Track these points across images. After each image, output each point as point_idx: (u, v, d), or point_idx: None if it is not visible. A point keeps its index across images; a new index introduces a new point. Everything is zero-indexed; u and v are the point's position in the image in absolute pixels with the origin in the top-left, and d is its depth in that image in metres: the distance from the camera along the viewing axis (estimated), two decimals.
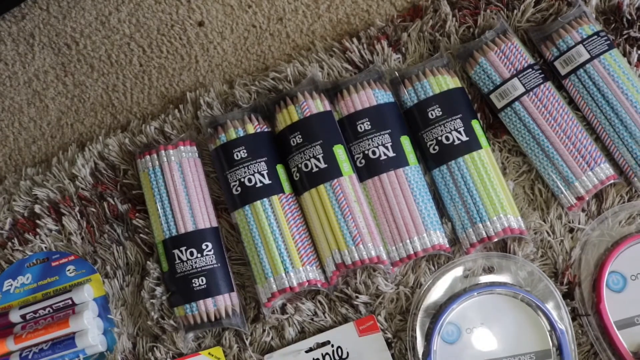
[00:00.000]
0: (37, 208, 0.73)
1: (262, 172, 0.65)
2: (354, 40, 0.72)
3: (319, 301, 0.65)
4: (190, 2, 0.78)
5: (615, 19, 0.70)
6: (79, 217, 0.72)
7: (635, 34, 0.69)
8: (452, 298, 0.62)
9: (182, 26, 0.78)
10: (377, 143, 0.65)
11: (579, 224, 0.64)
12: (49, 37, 0.80)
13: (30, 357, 0.67)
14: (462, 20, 0.71)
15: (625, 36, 0.69)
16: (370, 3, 0.75)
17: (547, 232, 0.64)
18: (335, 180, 0.64)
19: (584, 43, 0.66)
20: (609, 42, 0.66)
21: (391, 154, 0.64)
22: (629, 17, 0.69)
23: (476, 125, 0.66)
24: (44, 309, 0.69)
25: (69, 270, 0.71)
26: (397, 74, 0.69)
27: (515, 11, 0.71)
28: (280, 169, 0.66)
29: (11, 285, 0.72)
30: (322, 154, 0.64)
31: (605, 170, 0.64)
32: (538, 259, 0.64)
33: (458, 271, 0.63)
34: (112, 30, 0.79)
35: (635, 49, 0.68)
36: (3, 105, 0.80)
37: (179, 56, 0.77)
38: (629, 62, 0.68)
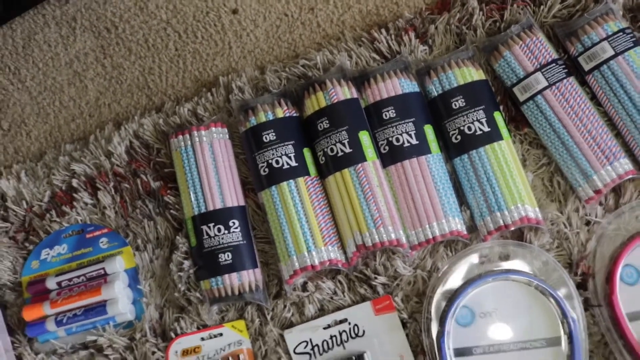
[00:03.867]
0: (74, 182, 0.77)
1: (289, 155, 0.68)
2: (383, 31, 0.74)
3: (339, 280, 0.68)
4: None
5: None
6: (113, 192, 0.76)
7: None
8: (467, 283, 0.64)
9: (217, 13, 0.81)
10: (401, 131, 0.67)
11: (595, 217, 0.66)
12: (90, 20, 0.84)
13: (64, 321, 0.71)
14: (489, 14, 0.73)
15: None
16: None
17: (564, 224, 0.66)
18: (360, 164, 0.66)
19: (609, 39, 0.67)
20: (634, 39, 0.67)
21: (414, 141, 0.67)
22: None
23: (498, 117, 0.68)
24: (78, 277, 0.73)
25: (102, 242, 0.75)
26: (423, 65, 0.71)
27: (542, 6, 0.72)
28: (306, 152, 0.69)
29: (48, 254, 0.76)
30: (347, 139, 0.67)
31: (625, 165, 0.65)
32: (554, 249, 0.66)
33: (474, 257, 0.65)
34: (149, 16, 0.82)
35: None
36: (45, 85, 0.84)
37: (213, 42, 0.80)
38: None
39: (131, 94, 0.81)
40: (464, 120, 0.67)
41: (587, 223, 0.66)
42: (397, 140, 0.67)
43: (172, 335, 0.70)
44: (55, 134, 0.83)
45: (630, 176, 0.65)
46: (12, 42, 0.86)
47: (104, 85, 0.82)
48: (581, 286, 0.64)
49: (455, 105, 0.68)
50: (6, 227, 0.78)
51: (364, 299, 0.67)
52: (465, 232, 0.66)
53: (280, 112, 0.70)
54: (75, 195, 0.77)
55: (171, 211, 0.73)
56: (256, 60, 0.79)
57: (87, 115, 0.82)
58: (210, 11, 0.81)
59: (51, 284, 0.74)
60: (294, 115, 0.70)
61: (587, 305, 0.64)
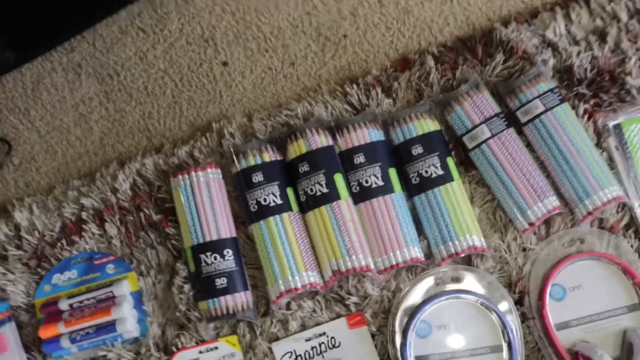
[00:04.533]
0: (83, 215, 0.87)
1: (275, 194, 0.80)
2: (354, 85, 0.87)
3: (318, 300, 0.80)
4: (216, 44, 0.93)
5: (567, 77, 0.85)
6: (119, 224, 0.86)
7: (583, 90, 0.84)
8: (425, 301, 0.77)
9: (209, 65, 0.92)
10: (370, 173, 0.80)
11: (530, 244, 0.80)
12: (94, 67, 0.95)
13: (78, 338, 0.81)
14: (444, 73, 0.86)
15: (575, 92, 0.84)
16: (368, 54, 0.90)
17: (505, 250, 0.79)
18: (335, 202, 0.78)
19: (540, 97, 0.81)
20: (560, 97, 0.81)
21: (380, 182, 0.79)
22: (579, 77, 0.84)
23: (450, 161, 0.81)
24: (88, 299, 0.83)
25: (109, 268, 0.85)
26: (387, 116, 0.84)
27: (487, 67, 0.86)
28: (290, 191, 0.81)
29: (59, 279, 0.86)
30: (324, 181, 0.79)
31: (553, 202, 0.79)
32: (496, 272, 0.79)
33: (431, 280, 0.78)
34: (149, 65, 0.93)
35: (582, 102, 0.83)
36: (53, 125, 0.94)
37: (205, 90, 0.92)
38: (577, 114, 0.83)
39: (132, 135, 0.92)
40: (422, 165, 0.80)
41: (524, 249, 0.80)
42: (366, 181, 0.79)
43: (174, 349, 0.80)
44: (63, 170, 0.93)
45: (557, 211, 0.79)
46: (22, 86, 0.96)
47: (108, 126, 0.93)
48: (519, 302, 0.78)
49: (415, 152, 0.81)
50: (20, 255, 0.87)
51: (339, 315, 0.79)
52: (423, 259, 0.79)
53: (267, 157, 0.82)
54: (84, 226, 0.87)
55: (171, 241, 0.84)
56: (244, 108, 0.90)
57: (92, 154, 0.93)
58: (203, 63, 0.92)
59: (64, 305, 0.84)
60: (279, 159, 0.83)
61: (523, 318, 0.77)
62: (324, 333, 0.78)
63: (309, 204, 0.80)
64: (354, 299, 0.79)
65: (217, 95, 0.91)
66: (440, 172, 0.79)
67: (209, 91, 0.92)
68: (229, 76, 0.92)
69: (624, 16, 0.87)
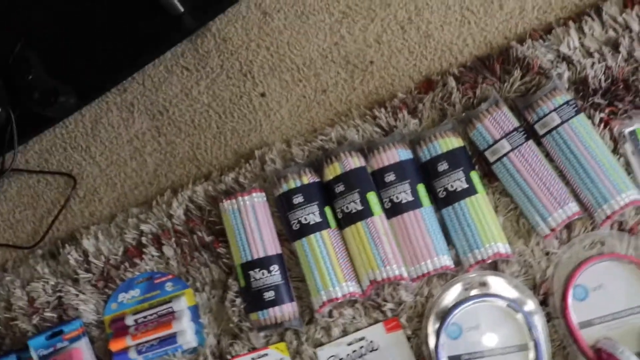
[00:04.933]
0: (143, 239, 0.97)
1: (314, 213, 0.88)
2: (382, 109, 0.94)
3: (357, 308, 0.87)
4: (254, 77, 1.01)
5: (583, 88, 0.90)
6: (175, 246, 0.95)
7: (598, 100, 0.89)
8: (456, 305, 0.83)
9: (249, 97, 1.01)
10: (400, 190, 0.87)
11: (553, 248, 0.85)
12: (145, 105, 1.05)
13: (144, 350, 0.90)
14: (464, 92, 0.93)
15: (590, 102, 0.89)
16: (393, 78, 0.97)
17: (529, 255, 0.85)
18: (369, 219, 0.86)
19: (557, 111, 0.87)
20: (576, 108, 0.87)
21: (410, 198, 0.86)
22: (594, 87, 0.89)
23: (474, 175, 0.87)
24: (151, 315, 0.93)
25: (168, 286, 0.94)
26: (414, 136, 0.91)
27: (505, 83, 0.92)
28: (327, 210, 0.89)
29: (124, 297, 0.96)
30: (359, 199, 0.86)
31: (573, 208, 0.84)
32: (521, 276, 0.85)
33: (460, 285, 0.85)
34: (194, 100, 1.03)
35: (598, 112, 0.88)
36: (112, 159, 1.04)
37: (247, 120, 1.01)
38: (593, 123, 0.88)
39: (183, 165, 1.02)
40: (448, 180, 0.87)
41: (547, 253, 0.85)
42: (397, 198, 0.87)
43: (228, 357, 0.89)
44: (122, 200, 1.03)
45: (577, 216, 0.84)
46: (83, 125, 1.06)
47: (160, 158, 1.03)
48: (543, 303, 0.84)
49: (441, 168, 0.87)
50: (89, 277, 0.97)
51: (376, 321, 0.87)
52: (452, 266, 0.85)
53: (306, 179, 0.90)
54: (144, 249, 0.96)
55: (223, 260, 0.93)
56: (283, 134, 0.99)
57: (148, 184, 1.02)
58: (243, 95, 1.01)
59: (129, 321, 0.93)
60: (316, 180, 0.90)
61: (549, 317, 0.83)
62: (364, 337, 0.85)
63: (345, 221, 0.87)
64: (389, 305, 0.86)
65: (257, 124, 1.00)
66: (465, 185, 0.86)
67: (249, 121, 1.00)
68: (267, 106, 1.00)
69: (635, 26, 0.91)
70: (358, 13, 0.99)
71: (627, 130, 0.88)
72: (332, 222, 0.88)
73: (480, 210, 0.85)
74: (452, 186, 0.86)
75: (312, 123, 0.98)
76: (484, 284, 0.84)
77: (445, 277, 0.86)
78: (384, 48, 0.98)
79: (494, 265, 0.85)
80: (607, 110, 0.89)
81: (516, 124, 0.88)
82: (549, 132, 0.87)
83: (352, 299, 0.86)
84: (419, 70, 0.97)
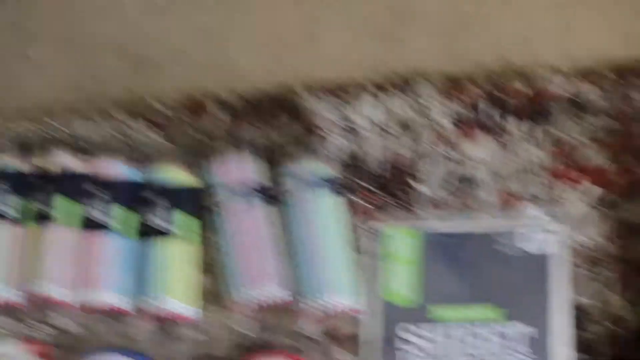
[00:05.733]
0: None
1: None
2: None
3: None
4: None
5: (353, 164, 0.79)
6: None
7: (363, 183, 0.78)
8: None
9: None
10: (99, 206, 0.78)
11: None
12: None
13: None
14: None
15: (352, 181, 0.78)
16: None
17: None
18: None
19: (307, 181, 0.76)
20: (333, 186, 0.76)
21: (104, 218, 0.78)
22: (364, 167, 0.79)
23: (181, 217, 0.77)
24: None
25: None
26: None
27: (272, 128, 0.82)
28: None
29: None
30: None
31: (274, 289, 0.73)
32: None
33: None
34: None
35: (358, 197, 0.78)
36: None
37: None
38: (350, 208, 0.77)
39: None
40: (153, 212, 0.78)
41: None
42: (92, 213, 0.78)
43: None
44: None
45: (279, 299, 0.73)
46: None
47: None
48: None
49: (152, 197, 0.78)
50: None
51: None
52: (119, 307, 0.76)
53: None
54: None
55: None
56: None
57: None
58: None
59: None
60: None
61: None
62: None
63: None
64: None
65: None
66: (165, 224, 0.76)
67: None
68: None
69: (436, 114, 0.80)
70: None
71: (378, 228, 0.78)
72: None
73: (170, 256, 0.75)
74: (152, 220, 0.77)
75: None
76: None
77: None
78: None
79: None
80: (370, 198, 0.78)
81: (257, 178, 0.78)
82: (291, 201, 0.77)
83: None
84: None
